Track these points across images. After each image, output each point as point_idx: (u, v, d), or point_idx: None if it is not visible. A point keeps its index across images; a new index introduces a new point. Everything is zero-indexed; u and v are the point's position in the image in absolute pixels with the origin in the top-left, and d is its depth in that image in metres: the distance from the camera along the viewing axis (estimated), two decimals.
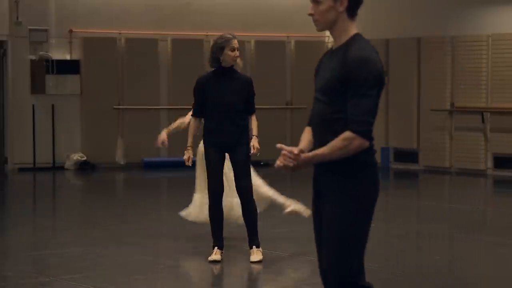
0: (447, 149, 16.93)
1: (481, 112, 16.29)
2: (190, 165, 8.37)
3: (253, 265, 8.20)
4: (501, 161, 16.25)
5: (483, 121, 16.28)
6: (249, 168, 8.38)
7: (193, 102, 8.38)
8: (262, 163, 16.42)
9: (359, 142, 4.28)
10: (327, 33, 16.71)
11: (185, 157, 8.33)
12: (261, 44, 17.74)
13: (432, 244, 9.80)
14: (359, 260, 4.49)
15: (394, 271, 8.08)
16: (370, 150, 4.38)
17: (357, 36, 4.43)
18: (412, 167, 17.38)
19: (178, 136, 17.41)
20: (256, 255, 8.27)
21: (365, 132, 4.28)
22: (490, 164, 16.42)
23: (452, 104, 16.84)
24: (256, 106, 8.36)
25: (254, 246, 8.31)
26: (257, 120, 8.39)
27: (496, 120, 16.17)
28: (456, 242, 10.11)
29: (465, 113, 16.63)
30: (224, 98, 8.13)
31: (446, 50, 16.85)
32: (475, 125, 16.43)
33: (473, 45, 16.50)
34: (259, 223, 8.38)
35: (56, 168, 16.91)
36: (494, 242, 9.83)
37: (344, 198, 4.38)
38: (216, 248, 8.31)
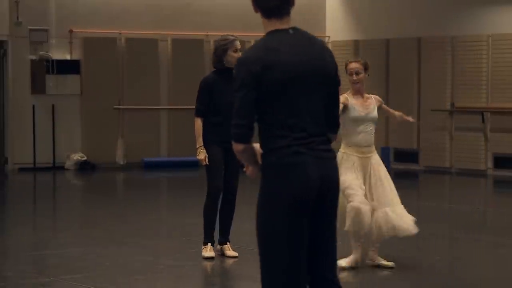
0: (447, 149, 16.93)
1: (481, 112, 16.29)
2: (208, 163, 8.32)
3: (251, 265, 8.19)
4: (501, 161, 16.25)
5: (483, 121, 16.28)
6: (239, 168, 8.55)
7: (196, 102, 8.44)
8: None
9: (234, 145, 4.34)
10: (327, 32, 16.65)
11: (201, 157, 8.30)
12: None
13: (432, 244, 9.79)
14: (286, 274, 4.34)
15: (394, 271, 8.07)
16: (274, 152, 4.30)
17: (265, 35, 4.45)
18: (412, 167, 17.38)
19: (178, 137, 17.45)
20: (232, 250, 8.56)
21: (234, 135, 4.32)
22: (490, 164, 16.42)
23: (452, 104, 16.84)
24: None
25: (228, 243, 8.60)
26: None
27: (496, 120, 16.17)
28: (456, 242, 10.10)
29: (465, 113, 16.63)
30: (228, 97, 8.23)
31: (446, 50, 16.85)
32: (475, 125, 16.43)
33: (473, 45, 16.50)
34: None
35: (56, 168, 16.91)
36: (494, 242, 9.83)
37: (258, 200, 4.40)
38: (209, 244, 8.49)
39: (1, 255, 9.11)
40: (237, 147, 4.33)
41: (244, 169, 4.49)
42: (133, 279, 7.78)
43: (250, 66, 4.29)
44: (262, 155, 4.37)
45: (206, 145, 8.36)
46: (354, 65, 8.13)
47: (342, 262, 7.89)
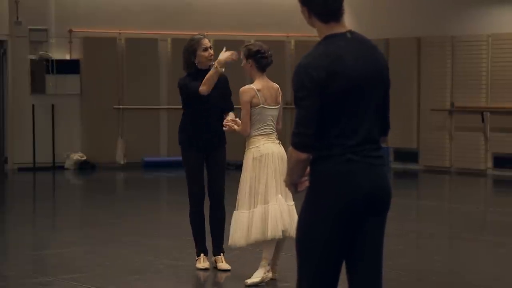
0: (447, 149, 16.93)
1: (481, 112, 16.29)
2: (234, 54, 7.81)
3: (251, 265, 8.20)
4: (501, 161, 16.25)
5: (483, 121, 16.28)
6: (225, 170, 8.25)
7: (184, 98, 8.13)
8: None
9: (295, 154, 4.24)
10: None
11: (227, 53, 7.78)
12: None
13: (432, 244, 9.80)
14: (311, 280, 4.35)
15: (394, 271, 8.07)
16: (326, 159, 4.22)
17: (323, 40, 4.31)
18: (412, 167, 17.38)
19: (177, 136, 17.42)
20: (225, 263, 8.14)
21: (296, 144, 4.22)
22: (490, 164, 16.42)
23: (452, 104, 16.84)
24: None
25: (222, 254, 8.20)
26: None
27: (496, 120, 16.17)
28: (456, 242, 10.11)
29: (465, 113, 16.63)
30: (209, 99, 7.93)
31: (446, 50, 16.85)
32: (475, 125, 16.43)
33: (473, 45, 16.50)
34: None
35: (56, 168, 16.92)
36: (494, 242, 9.83)
37: (304, 205, 4.34)
38: (202, 255, 8.19)
39: (1, 255, 9.11)
40: (300, 156, 4.21)
41: (288, 184, 4.38)
42: (133, 279, 7.78)
43: (313, 73, 4.15)
44: (312, 162, 4.28)
45: (183, 148, 8.09)
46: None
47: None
